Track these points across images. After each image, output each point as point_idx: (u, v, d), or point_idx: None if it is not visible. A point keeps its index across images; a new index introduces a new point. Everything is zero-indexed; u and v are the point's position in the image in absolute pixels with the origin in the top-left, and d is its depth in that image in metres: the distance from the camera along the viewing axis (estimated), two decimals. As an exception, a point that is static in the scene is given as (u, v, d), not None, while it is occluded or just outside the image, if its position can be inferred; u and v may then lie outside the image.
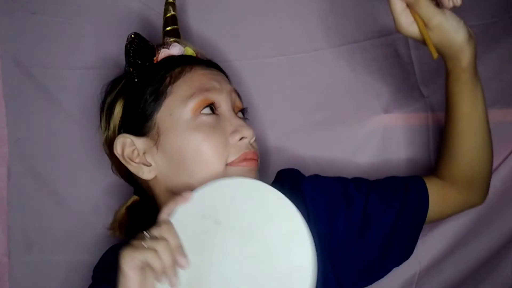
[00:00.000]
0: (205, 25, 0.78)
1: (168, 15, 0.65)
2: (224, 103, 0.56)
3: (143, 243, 0.42)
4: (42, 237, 0.81)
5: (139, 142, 0.56)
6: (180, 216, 0.45)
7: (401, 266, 0.67)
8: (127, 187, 0.80)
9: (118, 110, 0.58)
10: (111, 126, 0.59)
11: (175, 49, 0.59)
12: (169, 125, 0.54)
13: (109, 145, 0.60)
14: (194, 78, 0.56)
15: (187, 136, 0.53)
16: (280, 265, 0.43)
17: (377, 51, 0.79)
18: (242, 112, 0.61)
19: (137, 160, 0.56)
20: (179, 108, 0.54)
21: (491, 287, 0.82)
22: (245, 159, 0.54)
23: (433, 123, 0.81)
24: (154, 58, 0.58)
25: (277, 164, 0.78)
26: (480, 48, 0.79)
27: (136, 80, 0.57)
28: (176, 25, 0.64)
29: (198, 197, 0.45)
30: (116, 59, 0.77)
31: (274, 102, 0.80)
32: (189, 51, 0.61)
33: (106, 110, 0.61)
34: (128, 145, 0.56)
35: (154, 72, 0.57)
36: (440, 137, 0.82)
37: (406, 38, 0.78)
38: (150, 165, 0.56)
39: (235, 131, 0.55)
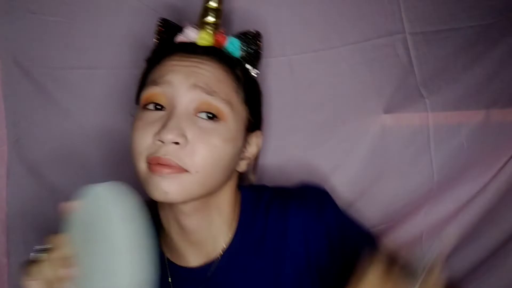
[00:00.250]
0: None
1: None
2: (172, 100, 0.51)
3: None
4: (42, 237, 0.80)
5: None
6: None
7: None
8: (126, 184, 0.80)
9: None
10: None
11: (188, 35, 0.57)
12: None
13: None
14: (159, 69, 0.54)
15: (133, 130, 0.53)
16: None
17: (377, 52, 0.79)
18: (210, 115, 0.52)
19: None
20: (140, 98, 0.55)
21: (496, 285, 0.83)
22: (157, 164, 0.50)
23: (433, 123, 0.81)
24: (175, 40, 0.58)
25: (276, 164, 0.78)
26: (480, 49, 0.80)
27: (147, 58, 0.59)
28: (219, 4, 0.59)
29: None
30: (116, 59, 0.77)
31: (274, 102, 0.80)
32: (205, 38, 0.57)
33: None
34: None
35: (153, 55, 0.58)
36: (440, 137, 0.82)
37: (405, 38, 0.79)
38: None
39: (157, 133, 0.50)
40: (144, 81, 0.57)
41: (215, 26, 0.58)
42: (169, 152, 0.49)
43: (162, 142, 0.49)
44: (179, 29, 0.58)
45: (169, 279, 0.59)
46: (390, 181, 0.84)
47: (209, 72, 0.53)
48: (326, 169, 0.80)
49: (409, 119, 0.82)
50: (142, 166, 0.51)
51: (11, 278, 0.81)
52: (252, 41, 0.59)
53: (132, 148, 0.52)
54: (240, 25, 0.79)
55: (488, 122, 0.82)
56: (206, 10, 0.59)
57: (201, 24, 0.58)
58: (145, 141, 0.51)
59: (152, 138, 0.50)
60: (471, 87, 0.81)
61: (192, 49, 0.55)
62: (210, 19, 0.58)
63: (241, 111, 0.56)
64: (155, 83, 0.53)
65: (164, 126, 0.49)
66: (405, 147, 0.83)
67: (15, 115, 0.78)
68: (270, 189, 0.62)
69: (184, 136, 0.50)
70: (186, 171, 0.50)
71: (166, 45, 0.58)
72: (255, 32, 0.60)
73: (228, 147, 0.52)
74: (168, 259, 0.60)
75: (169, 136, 0.49)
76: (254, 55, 0.59)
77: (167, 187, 0.49)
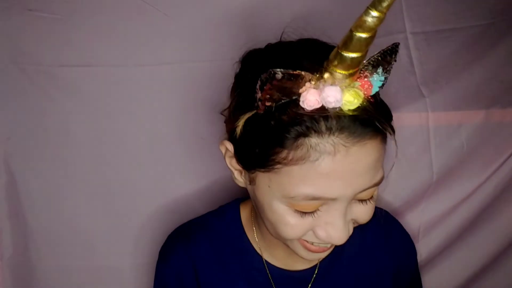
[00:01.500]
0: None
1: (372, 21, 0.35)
2: (331, 205, 0.43)
3: None
4: (39, 239, 0.80)
5: (238, 164, 0.49)
6: None
7: None
8: (124, 187, 0.80)
9: (240, 124, 0.45)
10: (230, 116, 0.48)
11: (327, 98, 0.38)
12: (264, 190, 0.45)
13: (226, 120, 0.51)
14: (310, 173, 0.40)
15: (277, 216, 0.45)
16: None
17: (377, 52, 0.79)
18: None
19: (234, 165, 0.50)
20: (276, 192, 0.44)
21: (495, 284, 0.84)
22: (315, 247, 0.48)
23: (433, 123, 0.82)
24: (298, 99, 0.40)
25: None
26: (479, 49, 0.80)
27: (259, 115, 0.42)
28: (363, 51, 0.38)
29: None
30: (112, 56, 0.76)
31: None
32: (353, 100, 0.39)
33: (233, 92, 0.49)
34: (229, 154, 0.49)
35: (278, 127, 0.41)
36: (440, 137, 0.82)
37: (406, 38, 0.78)
38: (242, 180, 0.50)
39: (320, 227, 0.45)
40: (267, 152, 0.42)
41: (356, 70, 0.39)
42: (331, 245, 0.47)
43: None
44: (296, 83, 0.39)
45: (271, 281, 0.58)
46: (390, 181, 0.84)
47: (374, 160, 0.42)
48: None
49: (409, 118, 0.82)
50: (291, 240, 0.48)
51: (7, 280, 0.80)
52: (391, 61, 0.43)
53: (280, 234, 0.47)
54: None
55: (488, 122, 0.82)
56: (350, 44, 0.36)
57: (330, 71, 0.39)
58: (301, 234, 0.46)
59: (311, 231, 0.46)
60: (471, 87, 0.82)
61: (339, 130, 0.39)
62: (354, 60, 0.37)
63: None
64: (313, 198, 0.42)
65: (332, 228, 0.43)
66: (405, 147, 0.83)
67: (11, 113, 0.77)
68: None
69: (348, 232, 0.46)
70: None
71: (294, 114, 0.40)
72: (394, 46, 0.43)
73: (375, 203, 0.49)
74: (266, 261, 0.58)
75: (342, 242, 0.45)
76: (387, 78, 0.44)
77: (316, 257, 0.50)
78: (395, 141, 0.45)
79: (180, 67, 0.77)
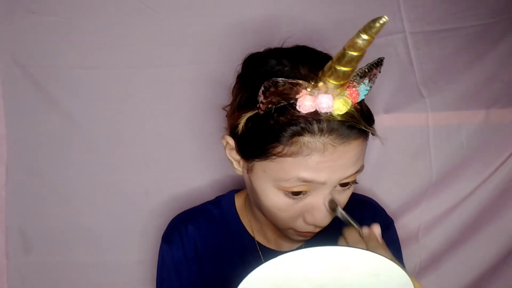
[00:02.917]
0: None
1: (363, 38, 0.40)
2: (318, 190, 0.49)
3: None
4: (41, 237, 0.80)
5: (237, 155, 0.54)
6: None
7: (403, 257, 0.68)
8: (125, 185, 0.80)
9: (242, 121, 0.50)
10: (233, 114, 0.53)
11: (320, 104, 0.44)
12: (260, 176, 0.51)
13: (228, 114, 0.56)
14: (302, 164, 0.46)
15: (270, 200, 0.51)
16: None
17: (377, 51, 0.79)
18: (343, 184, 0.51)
19: (234, 157, 0.55)
20: (270, 177, 0.50)
21: (497, 284, 0.84)
22: (307, 232, 0.55)
23: (433, 123, 0.82)
24: (295, 103, 0.45)
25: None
26: (480, 49, 0.81)
27: (259, 115, 0.47)
28: (353, 66, 0.43)
29: (255, 284, 0.41)
30: (116, 59, 0.77)
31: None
32: (342, 108, 0.45)
33: (235, 92, 0.54)
34: (230, 146, 0.55)
35: (276, 126, 0.47)
36: (440, 137, 0.83)
37: (405, 38, 0.79)
38: (241, 169, 0.56)
39: (308, 212, 0.51)
40: (264, 145, 0.48)
41: (346, 82, 0.44)
42: (318, 227, 0.54)
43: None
44: (293, 89, 0.45)
45: (262, 260, 0.60)
46: (390, 181, 0.85)
47: (357, 154, 0.49)
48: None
49: (409, 119, 0.82)
50: (285, 229, 0.55)
51: (11, 278, 0.81)
52: (375, 73, 0.48)
53: (276, 221, 0.54)
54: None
55: (488, 122, 0.82)
56: (342, 60, 0.42)
57: (324, 81, 0.44)
58: (292, 220, 0.53)
59: (301, 218, 0.52)
60: (471, 87, 0.82)
61: (329, 131, 0.46)
62: (346, 73, 0.43)
63: None
64: (304, 181, 0.48)
65: (317, 213, 0.51)
66: (405, 147, 0.83)
67: (15, 114, 0.78)
68: None
69: (332, 215, 0.52)
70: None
71: (291, 116, 0.46)
72: (379, 60, 0.48)
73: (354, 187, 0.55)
74: (258, 242, 0.64)
75: (325, 223, 0.52)
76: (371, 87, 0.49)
77: (306, 239, 0.57)
78: (380, 138, 0.52)
79: (183, 70, 0.78)
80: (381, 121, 0.81)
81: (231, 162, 0.56)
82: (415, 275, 0.85)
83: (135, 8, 0.76)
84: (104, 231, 0.81)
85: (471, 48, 0.80)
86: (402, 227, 0.83)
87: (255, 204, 0.58)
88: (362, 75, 0.47)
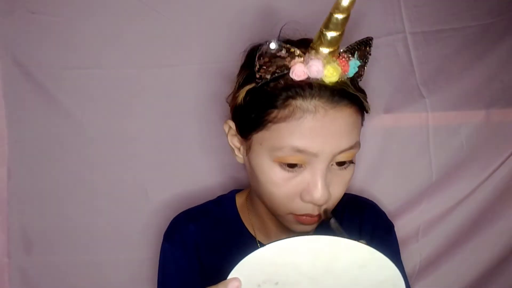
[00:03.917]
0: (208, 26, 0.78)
1: (340, 12, 0.44)
2: (313, 164, 0.50)
3: None
4: (42, 238, 0.81)
5: (238, 139, 0.57)
6: None
7: (402, 257, 0.68)
8: (125, 185, 0.80)
9: (241, 95, 0.53)
10: (234, 95, 0.55)
11: (310, 71, 0.47)
12: (257, 150, 0.52)
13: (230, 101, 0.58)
14: (296, 130, 0.48)
15: (267, 176, 0.52)
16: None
17: (377, 51, 0.79)
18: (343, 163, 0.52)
19: (235, 144, 0.58)
20: (266, 148, 0.51)
21: (497, 285, 0.84)
22: (306, 216, 0.53)
23: (433, 123, 0.82)
24: (289, 72, 0.48)
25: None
26: (479, 49, 0.80)
27: (256, 85, 0.51)
28: (340, 30, 0.46)
29: (246, 272, 0.42)
30: (116, 59, 0.77)
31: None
32: (332, 73, 0.48)
33: (238, 77, 0.56)
34: (231, 131, 0.57)
35: (271, 92, 0.49)
36: (440, 137, 0.83)
37: (405, 38, 0.79)
38: (241, 156, 0.58)
39: (305, 191, 0.51)
40: (260, 114, 0.50)
41: (336, 49, 0.48)
42: (317, 208, 0.53)
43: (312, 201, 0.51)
44: (289, 54, 0.48)
45: None
46: (389, 181, 0.85)
47: (348, 125, 0.50)
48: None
49: (409, 119, 0.82)
50: (284, 214, 0.54)
51: (12, 277, 0.81)
52: (365, 51, 0.52)
53: (274, 201, 0.53)
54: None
55: (488, 122, 0.82)
56: (329, 24, 0.45)
57: (315, 48, 0.47)
58: (290, 200, 0.52)
59: (299, 197, 0.52)
60: (471, 87, 0.82)
61: (320, 94, 0.48)
62: (333, 38, 0.46)
63: None
64: (297, 150, 0.49)
65: (314, 189, 0.50)
66: (404, 147, 0.83)
67: (15, 114, 0.78)
68: None
69: (328, 193, 0.51)
70: None
71: (286, 83, 0.49)
72: (368, 39, 0.52)
73: (352, 175, 0.55)
74: (259, 241, 0.64)
75: (321, 199, 0.50)
76: (362, 67, 0.53)
77: (308, 229, 0.55)
78: (367, 110, 0.54)
79: (183, 70, 0.78)
80: (381, 121, 0.82)
81: (232, 150, 0.58)
82: (415, 275, 0.85)
83: (135, 8, 0.76)
84: (105, 231, 0.81)
85: (471, 48, 0.79)
86: (402, 227, 0.84)
87: (255, 190, 0.58)
88: (352, 51, 0.50)
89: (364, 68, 0.54)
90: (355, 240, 0.41)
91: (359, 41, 0.51)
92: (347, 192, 0.66)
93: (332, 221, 0.50)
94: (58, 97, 0.77)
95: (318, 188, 0.50)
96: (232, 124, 0.56)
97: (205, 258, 0.64)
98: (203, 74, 0.78)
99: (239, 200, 0.67)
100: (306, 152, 0.49)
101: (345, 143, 0.50)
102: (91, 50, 0.77)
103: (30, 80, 0.76)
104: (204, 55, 0.77)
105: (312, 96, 0.48)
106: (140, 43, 0.76)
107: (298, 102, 0.48)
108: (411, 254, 0.85)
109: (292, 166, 0.50)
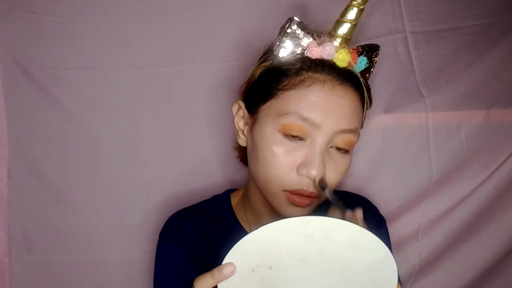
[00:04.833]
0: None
1: (356, 4, 0.52)
2: (313, 138, 0.53)
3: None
4: (43, 237, 0.81)
5: (244, 118, 0.59)
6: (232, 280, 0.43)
7: (402, 257, 0.68)
8: (126, 184, 0.81)
9: (258, 71, 0.57)
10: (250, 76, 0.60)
11: (324, 50, 0.53)
12: (262, 121, 0.55)
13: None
14: (303, 98, 0.52)
15: (267, 146, 0.54)
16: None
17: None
18: (340, 149, 0.55)
19: (240, 126, 0.60)
20: (272, 116, 0.54)
21: (497, 285, 0.85)
22: (299, 195, 0.54)
23: (433, 123, 0.82)
24: (305, 51, 0.54)
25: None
26: (479, 49, 0.81)
27: (273, 61, 0.55)
28: (355, 20, 0.53)
29: (240, 257, 0.43)
30: (116, 59, 0.77)
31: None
32: (344, 59, 0.53)
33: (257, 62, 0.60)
34: (239, 113, 0.60)
35: (287, 64, 0.54)
36: (440, 137, 0.83)
37: (405, 37, 0.79)
38: (245, 138, 0.60)
39: (302, 165, 0.53)
40: (272, 84, 0.55)
41: (348, 39, 0.54)
42: (311, 185, 0.54)
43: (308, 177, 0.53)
44: (311, 36, 0.54)
45: None
46: (390, 181, 0.85)
47: (351, 107, 0.54)
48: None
49: (409, 119, 0.82)
50: (277, 191, 0.55)
51: (13, 278, 0.81)
52: (372, 55, 0.57)
53: (269, 175, 0.54)
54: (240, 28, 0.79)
55: (488, 122, 0.82)
56: (346, 14, 0.52)
57: (331, 34, 0.54)
58: (285, 173, 0.54)
59: (295, 170, 0.53)
60: (471, 87, 0.82)
61: (330, 71, 0.53)
62: (348, 27, 0.53)
63: None
64: (302, 118, 0.52)
65: (310, 164, 0.52)
66: (404, 147, 0.83)
67: (16, 114, 0.78)
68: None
69: (324, 171, 0.53)
70: (317, 197, 0.55)
71: (301, 58, 0.54)
72: (376, 46, 0.58)
73: (348, 167, 0.57)
74: None
75: (316, 175, 0.52)
76: (368, 70, 0.58)
77: (300, 213, 0.55)
78: (369, 101, 0.57)
79: (183, 70, 0.78)
80: (381, 121, 0.82)
81: (237, 132, 0.61)
82: (414, 274, 0.85)
83: (135, 8, 0.76)
84: (105, 230, 0.81)
85: (471, 48, 0.80)
86: (402, 227, 0.84)
87: (252, 170, 0.58)
88: (361, 51, 0.56)
89: (370, 71, 0.58)
90: (343, 208, 0.43)
91: (368, 44, 0.56)
92: (344, 190, 0.66)
93: (327, 190, 0.51)
94: (58, 97, 0.77)
95: (315, 161, 0.52)
96: (241, 103, 0.59)
97: (201, 255, 0.64)
98: (203, 74, 0.78)
99: (234, 198, 0.67)
100: (309, 121, 0.51)
101: (346, 122, 0.53)
102: (91, 50, 0.77)
103: (30, 80, 0.76)
104: (205, 55, 0.77)
105: (323, 70, 0.53)
106: (140, 43, 0.76)
107: (310, 73, 0.53)
108: (411, 254, 0.85)
109: (294, 137, 0.52)
